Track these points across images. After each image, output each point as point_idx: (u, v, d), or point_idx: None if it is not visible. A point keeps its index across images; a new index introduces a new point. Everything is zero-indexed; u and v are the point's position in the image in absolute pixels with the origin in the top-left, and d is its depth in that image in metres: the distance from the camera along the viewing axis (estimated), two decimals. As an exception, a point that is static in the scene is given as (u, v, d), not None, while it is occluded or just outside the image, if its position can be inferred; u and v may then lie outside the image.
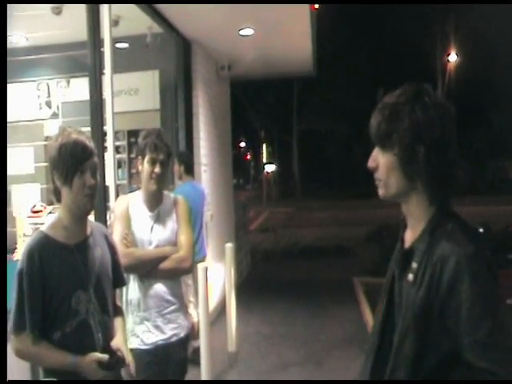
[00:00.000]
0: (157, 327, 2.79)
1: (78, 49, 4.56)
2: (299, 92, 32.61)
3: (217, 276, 6.54)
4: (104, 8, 4.05)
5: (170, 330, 2.81)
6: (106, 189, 3.94)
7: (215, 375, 4.62)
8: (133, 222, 2.82)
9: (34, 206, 4.23)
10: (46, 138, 5.40)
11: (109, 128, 4.02)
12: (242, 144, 44.88)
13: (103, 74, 4.00)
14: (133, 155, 6.19)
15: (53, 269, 1.99)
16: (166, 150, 2.79)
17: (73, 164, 1.98)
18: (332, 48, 24.04)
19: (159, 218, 2.84)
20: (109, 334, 2.13)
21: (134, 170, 6.18)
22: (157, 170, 2.77)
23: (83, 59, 4.14)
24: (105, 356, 2.03)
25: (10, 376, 2.84)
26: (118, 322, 2.30)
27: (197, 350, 4.46)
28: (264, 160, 37.39)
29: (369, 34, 29.78)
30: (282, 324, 6.54)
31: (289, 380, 4.74)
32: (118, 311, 2.38)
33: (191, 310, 3.13)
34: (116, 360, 2.07)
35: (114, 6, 4.20)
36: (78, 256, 2.06)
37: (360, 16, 28.45)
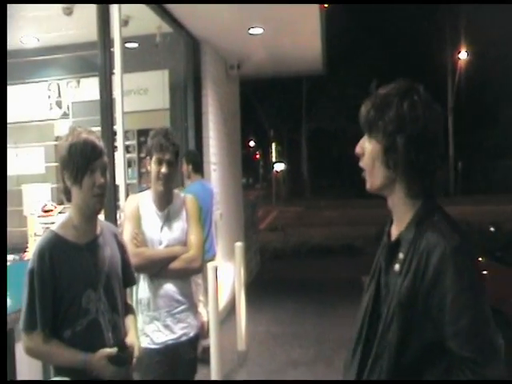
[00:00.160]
0: (167, 327, 2.79)
1: (88, 49, 4.58)
2: (308, 91, 32.55)
3: (226, 275, 6.55)
4: (114, 8, 4.06)
5: (179, 330, 2.81)
6: (116, 188, 3.95)
7: (225, 374, 4.63)
8: (143, 221, 2.82)
9: (45, 205, 4.24)
10: (57, 138, 5.42)
11: (119, 127, 4.03)
12: (252, 143, 44.83)
13: (113, 73, 4.01)
14: (142, 155, 6.22)
15: (63, 268, 2.01)
16: (172, 149, 2.78)
17: (82, 163, 1.99)
18: (341, 46, 23.95)
19: (169, 218, 2.84)
20: (119, 333, 2.14)
21: (143, 170, 6.21)
22: (163, 170, 2.76)
23: (93, 59, 4.16)
24: (114, 349, 2.04)
25: (21, 375, 2.87)
26: (129, 320, 2.31)
27: (206, 349, 4.46)
28: (273, 159, 37.37)
29: (378, 33, 29.67)
30: (292, 323, 6.54)
31: (287, 380, 4.73)
32: (130, 310, 2.39)
33: (201, 309, 3.13)
34: (128, 355, 2.08)
35: (123, 5, 4.21)
36: (88, 255, 2.07)
37: (370, 14, 28.35)
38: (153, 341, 2.76)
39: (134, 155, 6.23)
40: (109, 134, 3.88)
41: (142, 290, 2.81)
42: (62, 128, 5.71)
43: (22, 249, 4.14)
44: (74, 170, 1.99)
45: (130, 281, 2.37)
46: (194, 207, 2.93)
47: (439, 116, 1.47)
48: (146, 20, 5.11)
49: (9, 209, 3.82)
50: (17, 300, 2.62)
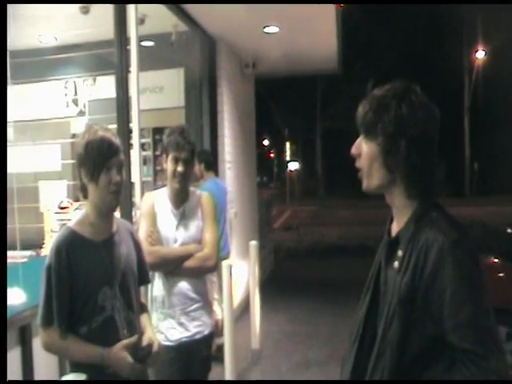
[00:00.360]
0: (181, 324, 2.79)
1: (104, 47, 4.60)
2: (323, 90, 32.44)
3: (240, 273, 6.55)
4: (131, 7, 4.07)
5: (194, 328, 2.82)
6: (131, 186, 3.97)
7: (238, 372, 4.63)
8: (158, 219, 2.83)
9: (61, 202, 4.28)
10: (73, 136, 5.46)
11: (134, 125, 4.04)
12: (266, 142, 44.82)
13: (129, 71, 4.02)
14: (158, 152, 6.24)
15: (80, 264, 2.02)
16: (188, 148, 2.78)
17: (99, 161, 1.99)
18: (357, 45, 23.86)
19: (184, 216, 2.84)
20: (134, 331, 2.14)
21: (158, 167, 6.25)
22: (179, 168, 2.76)
23: (109, 57, 4.18)
24: (132, 339, 2.05)
25: (38, 370, 2.89)
26: (145, 317, 2.33)
27: (220, 347, 4.47)
28: (287, 158, 37.32)
29: (394, 31, 29.46)
30: (305, 322, 6.53)
31: (284, 380, 4.72)
32: (144, 308, 2.41)
33: (215, 307, 3.14)
34: (148, 351, 2.10)
35: (140, 4, 4.22)
36: (104, 252, 2.08)
37: (386, 13, 28.17)
38: (167, 338, 2.77)
39: (149, 153, 6.27)
40: (125, 131, 3.90)
41: (156, 287, 2.82)
42: (79, 126, 5.75)
43: (39, 245, 4.18)
44: (90, 168, 2.00)
45: (144, 279, 2.37)
46: (209, 205, 2.93)
47: (436, 116, 1.48)
48: (162, 18, 5.13)
49: (26, 205, 3.87)
50: (33, 296, 2.64)
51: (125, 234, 2.22)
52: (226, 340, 4.29)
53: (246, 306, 6.38)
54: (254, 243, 5.61)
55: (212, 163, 5.47)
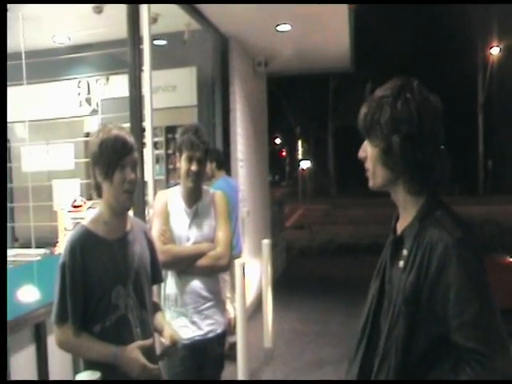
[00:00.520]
0: (193, 323, 2.79)
1: (117, 46, 4.62)
2: (335, 88, 32.34)
3: (253, 272, 6.55)
4: (143, 6, 4.08)
5: (206, 326, 2.82)
6: (144, 184, 3.98)
7: (251, 371, 4.63)
8: (171, 218, 2.83)
9: (75, 200, 4.30)
10: (86, 135, 5.50)
11: (147, 124, 4.05)
12: (278, 140, 44.77)
13: (142, 70, 4.03)
14: (170, 151, 6.26)
15: (94, 263, 2.02)
16: (202, 147, 2.78)
17: (113, 159, 2.00)
18: (369, 43, 23.72)
19: (197, 215, 2.84)
20: (147, 329, 2.15)
21: (171, 166, 6.26)
22: (193, 167, 2.76)
23: (122, 56, 4.19)
24: (147, 342, 2.06)
25: (53, 367, 2.91)
26: (160, 316, 2.34)
27: (233, 346, 4.47)
28: (299, 156, 37.26)
29: (407, 29, 29.27)
30: (317, 321, 6.51)
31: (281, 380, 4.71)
32: (158, 307, 2.41)
33: (228, 305, 3.13)
34: (173, 347, 2.13)
35: (152, 4, 4.23)
36: (118, 251, 2.08)
37: (398, 11, 27.98)
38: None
39: (161, 151, 6.28)
40: (138, 130, 3.91)
41: (169, 286, 2.82)
42: (92, 124, 5.79)
43: (52, 243, 4.21)
44: (104, 166, 2.00)
45: (157, 278, 2.37)
46: (222, 204, 2.93)
47: (436, 110, 1.46)
48: (174, 17, 5.13)
49: (39, 204, 3.91)
50: (47, 293, 2.67)
51: (138, 232, 2.22)
52: (239, 338, 4.29)
53: (257, 304, 6.39)
54: (266, 242, 5.60)
55: (223, 162, 5.47)
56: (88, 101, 6.02)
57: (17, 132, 5.96)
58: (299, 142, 37.56)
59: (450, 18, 28.31)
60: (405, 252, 1.44)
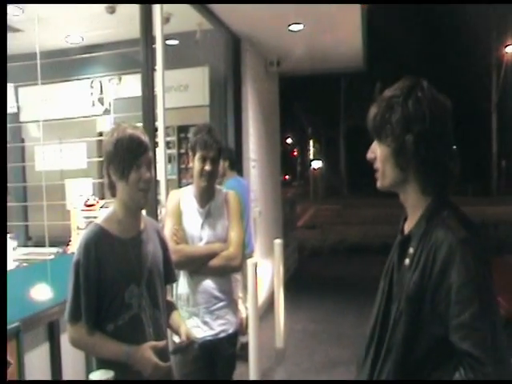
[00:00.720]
0: (205, 323, 2.79)
1: (129, 46, 4.63)
2: (346, 89, 32.24)
3: (264, 272, 6.54)
4: (156, 6, 4.09)
5: (218, 326, 2.81)
6: (156, 183, 3.99)
7: (262, 371, 4.62)
8: (184, 217, 2.83)
9: (87, 199, 4.32)
10: (99, 134, 5.52)
11: (160, 124, 4.06)
12: (289, 140, 44.73)
13: (155, 70, 4.04)
14: (182, 150, 6.28)
15: (108, 261, 2.02)
16: (216, 146, 2.78)
17: (129, 158, 2.00)
18: (382, 43, 23.60)
19: (210, 215, 2.84)
20: (160, 329, 2.15)
21: (183, 166, 6.28)
22: (207, 167, 2.76)
23: (134, 56, 4.20)
24: (160, 343, 2.06)
25: (66, 366, 2.92)
26: (176, 314, 2.35)
27: (244, 346, 4.46)
28: (311, 156, 37.19)
29: (420, 28, 29.10)
30: (329, 322, 6.49)
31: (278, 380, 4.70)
32: (173, 306, 2.41)
33: (240, 305, 3.13)
34: (189, 344, 2.15)
35: (164, 4, 4.23)
36: (131, 250, 2.08)
37: (412, 10, 27.83)
38: (192, 336, 2.77)
39: (173, 151, 6.30)
40: (150, 130, 3.91)
41: (181, 285, 2.83)
42: (104, 124, 5.81)
43: (65, 242, 4.24)
44: (120, 165, 2.00)
45: (170, 278, 2.37)
46: (235, 203, 2.92)
47: (446, 109, 1.45)
48: (186, 17, 5.14)
49: (52, 203, 3.93)
50: (61, 292, 2.68)
51: (152, 232, 2.22)
52: (251, 338, 4.28)
53: (269, 304, 6.37)
54: (278, 241, 5.59)
55: (235, 161, 5.47)
56: (101, 100, 6.04)
57: (31, 131, 6.00)
58: (311, 142, 37.52)
59: (464, 17, 28.08)
60: (411, 250, 1.43)
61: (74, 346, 2.09)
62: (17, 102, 4.99)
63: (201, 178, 2.79)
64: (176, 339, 2.29)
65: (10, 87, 4.83)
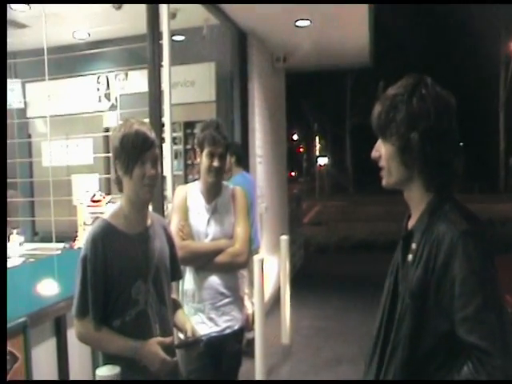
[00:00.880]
0: (211, 319, 2.79)
1: (136, 42, 4.63)
2: (353, 85, 32.14)
3: (271, 268, 6.54)
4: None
5: (223, 323, 2.81)
6: (163, 179, 3.99)
7: (268, 368, 4.63)
8: (190, 213, 2.82)
9: (94, 195, 4.33)
10: (106, 130, 5.52)
11: (166, 119, 4.05)
12: (295, 136, 44.65)
13: (161, 66, 4.04)
14: (189, 146, 6.27)
15: (115, 257, 2.02)
16: (224, 142, 2.78)
17: (133, 154, 1.99)
18: (389, 39, 23.51)
19: (216, 211, 2.83)
20: (166, 325, 2.15)
21: (189, 161, 6.27)
22: (215, 163, 2.75)
23: (141, 52, 4.20)
24: (167, 339, 2.06)
25: (72, 361, 2.93)
26: (181, 312, 2.34)
27: (251, 342, 4.46)
28: (317, 153, 37.13)
29: (427, 25, 28.95)
30: (335, 318, 6.49)
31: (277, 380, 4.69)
32: (178, 304, 2.40)
33: (246, 301, 3.12)
34: (195, 340, 2.15)
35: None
36: (138, 246, 2.08)
37: (419, 7, 27.68)
38: (197, 332, 2.76)
39: (180, 147, 6.30)
40: (157, 125, 3.91)
41: (187, 281, 2.82)
42: (111, 120, 5.81)
43: (72, 237, 4.25)
44: (125, 161, 2.00)
45: (177, 274, 2.36)
46: (242, 200, 2.91)
47: (450, 105, 1.44)
48: (193, 13, 5.13)
49: (59, 198, 3.93)
50: (67, 287, 2.68)
51: (158, 228, 2.22)
52: (257, 335, 4.29)
53: (275, 301, 6.37)
54: (284, 238, 5.58)
55: (242, 158, 5.46)
56: (107, 96, 6.04)
57: (38, 127, 6.01)
58: (317, 139, 37.43)
59: (472, 15, 27.91)
60: (414, 246, 1.44)
61: (81, 341, 2.09)
62: (24, 97, 5.00)
63: (209, 173, 2.78)
64: (181, 336, 2.28)
65: (18, 83, 4.84)
